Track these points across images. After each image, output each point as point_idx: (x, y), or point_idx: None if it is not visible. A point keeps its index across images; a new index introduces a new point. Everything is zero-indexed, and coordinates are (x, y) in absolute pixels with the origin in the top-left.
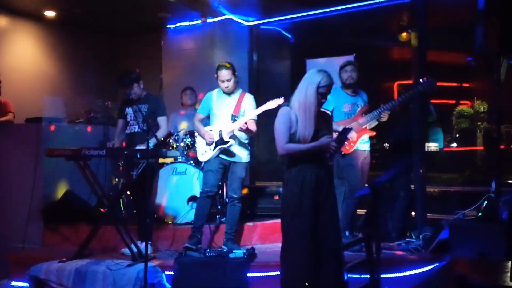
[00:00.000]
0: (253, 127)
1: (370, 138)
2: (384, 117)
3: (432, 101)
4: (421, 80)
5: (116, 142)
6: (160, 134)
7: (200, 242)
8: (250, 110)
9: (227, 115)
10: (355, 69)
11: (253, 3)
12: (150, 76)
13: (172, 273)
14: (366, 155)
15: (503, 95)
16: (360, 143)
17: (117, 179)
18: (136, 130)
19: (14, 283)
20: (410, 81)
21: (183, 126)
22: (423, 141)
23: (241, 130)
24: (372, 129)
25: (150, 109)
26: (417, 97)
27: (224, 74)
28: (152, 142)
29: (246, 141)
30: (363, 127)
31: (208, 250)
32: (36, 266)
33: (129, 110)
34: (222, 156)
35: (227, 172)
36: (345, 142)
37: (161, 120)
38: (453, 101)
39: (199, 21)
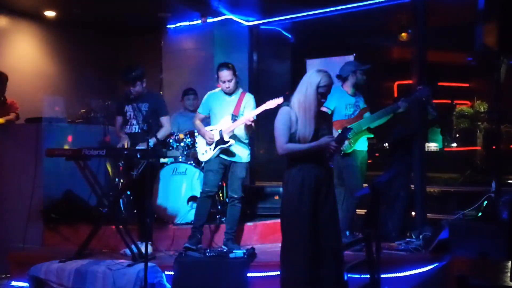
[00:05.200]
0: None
1: (370, 138)
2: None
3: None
4: (419, 87)
5: (123, 139)
6: (162, 133)
7: (200, 242)
8: (249, 110)
9: (228, 115)
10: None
11: (253, 3)
12: (150, 76)
13: (172, 273)
14: (364, 155)
15: (503, 95)
16: (359, 143)
17: (117, 179)
18: (136, 131)
19: (14, 283)
20: (410, 81)
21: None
22: (423, 141)
23: (249, 122)
24: (370, 131)
25: (150, 108)
26: (416, 103)
27: (225, 74)
28: (152, 141)
29: (246, 141)
30: (363, 128)
31: (208, 250)
32: (36, 266)
33: (128, 108)
34: (222, 156)
35: (228, 172)
36: (345, 142)
37: (164, 120)
38: (453, 101)
39: (199, 21)
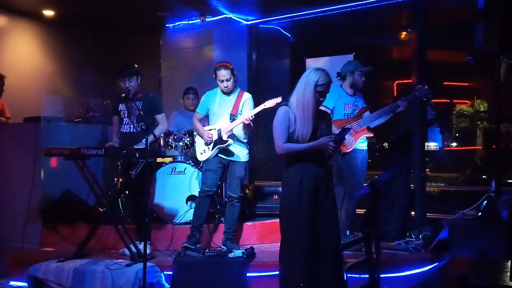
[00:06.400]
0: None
1: (370, 137)
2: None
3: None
4: (419, 86)
5: (115, 142)
6: (159, 131)
7: (199, 242)
8: (248, 110)
9: (226, 115)
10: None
11: (253, 2)
12: (149, 75)
13: (171, 272)
14: (364, 154)
15: (503, 94)
16: (359, 143)
17: (115, 178)
18: (131, 130)
19: (12, 283)
20: (410, 81)
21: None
22: (422, 141)
23: (247, 121)
24: (370, 130)
25: (145, 107)
26: (416, 102)
27: (224, 74)
28: (150, 139)
29: (245, 140)
30: (363, 127)
31: (207, 250)
32: (34, 266)
33: (122, 107)
34: (221, 155)
35: (226, 172)
36: (344, 142)
37: (160, 118)
38: (453, 100)
39: (198, 20)
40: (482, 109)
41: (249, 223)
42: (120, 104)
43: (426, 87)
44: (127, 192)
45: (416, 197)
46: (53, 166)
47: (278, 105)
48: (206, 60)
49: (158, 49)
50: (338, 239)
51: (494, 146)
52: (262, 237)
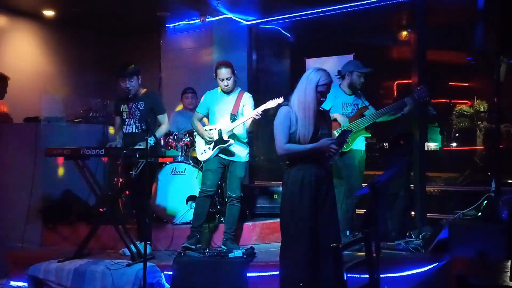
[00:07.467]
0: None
1: (370, 137)
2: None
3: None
4: (417, 88)
5: (117, 142)
6: (162, 131)
7: (199, 242)
8: (248, 109)
9: (226, 114)
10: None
11: (253, 2)
12: (149, 75)
13: (171, 273)
14: (362, 154)
15: (503, 94)
16: (356, 142)
17: (115, 178)
18: (133, 130)
19: (13, 283)
20: (410, 81)
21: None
22: (422, 141)
23: (257, 116)
24: (368, 130)
25: (146, 107)
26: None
27: (224, 72)
28: (152, 140)
29: (246, 140)
30: (362, 127)
31: (207, 250)
32: (35, 266)
33: (124, 107)
34: (221, 155)
35: (227, 172)
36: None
37: (162, 117)
38: (453, 101)
39: (198, 20)
40: (482, 109)
41: (249, 223)
42: (122, 105)
43: (424, 88)
44: (127, 192)
45: (416, 197)
46: (54, 166)
47: (279, 106)
48: (206, 60)
49: (158, 49)
50: (338, 238)
51: (494, 146)
52: (262, 237)
